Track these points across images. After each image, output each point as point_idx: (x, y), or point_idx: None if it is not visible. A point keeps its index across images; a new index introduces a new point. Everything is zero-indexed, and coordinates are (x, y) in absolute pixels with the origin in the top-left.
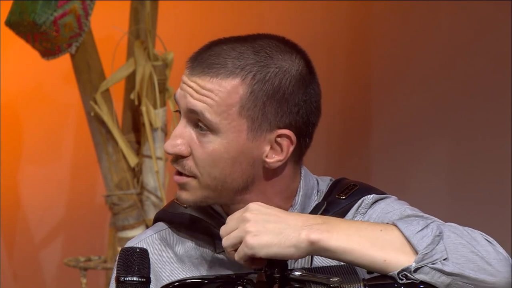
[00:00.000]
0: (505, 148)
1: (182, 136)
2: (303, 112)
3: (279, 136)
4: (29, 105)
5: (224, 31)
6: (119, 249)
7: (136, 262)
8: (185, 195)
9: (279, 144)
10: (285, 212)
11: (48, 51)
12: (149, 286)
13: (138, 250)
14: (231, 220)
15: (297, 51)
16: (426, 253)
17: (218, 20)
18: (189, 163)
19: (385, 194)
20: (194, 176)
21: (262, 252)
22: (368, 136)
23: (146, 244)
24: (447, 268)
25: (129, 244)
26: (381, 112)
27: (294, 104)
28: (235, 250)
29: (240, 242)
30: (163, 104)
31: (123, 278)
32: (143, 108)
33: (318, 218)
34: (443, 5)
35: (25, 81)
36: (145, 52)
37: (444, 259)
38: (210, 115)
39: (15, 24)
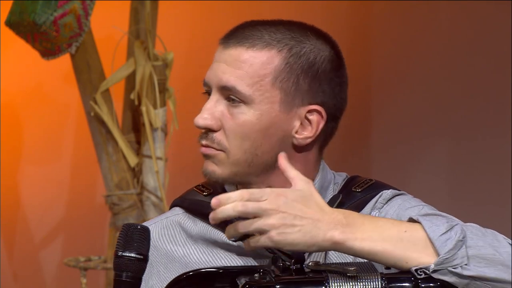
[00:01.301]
0: (505, 148)
1: (213, 110)
2: (333, 94)
3: (310, 111)
4: (29, 105)
5: (224, 31)
6: None
7: (136, 238)
8: (212, 167)
9: (309, 120)
10: (308, 204)
11: (48, 51)
12: (146, 264)
13: (139, 227)
14: (255, 199)
15: (328, 38)
16: (447, 258)
17: (218, 20)
18: (218, 137)
19: (400, 190)
20: (223, 150)
21: (286, 248)
22: (368, 136)
23: (160, 226)
24: (466, 272)
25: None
26: (381, 112)
27: (327, 83)
28: (246, 236)
29: (259, 233)
30: (163, 104)
31: (121, 252)
32: (143, 108)
33: (342, 217)
34: (443, 5)
35: (25, 81)
36: (145, 52)
37: (464, 265)
38: (243, 88)
39: (15, 24)
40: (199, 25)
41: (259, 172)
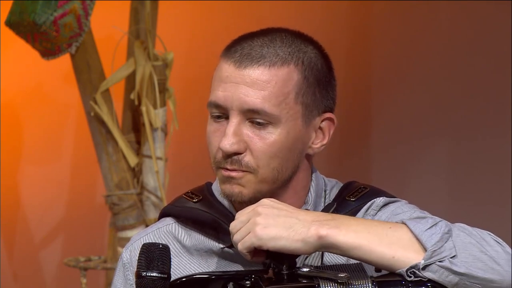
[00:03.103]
0: (505, 148)
1: (237, 134)
2: (334, 97)
3: (323, 120)
4: (29, 105)
5: (224, 31)
6: (119, 249)
7: (157, 257)
8: (239, 190)
9: (321, 128)
10: (296, 208)
11: (48, 51)
12: (169, 282)
13: (160, 246)
14: (242, 215)
15: (315, 41)
16: (435, 250)
17: (218, 20)
18: (246, 159)
19: (396, 197)
20: (250, 171)
21: (270, 244)
22: (368, 136)
23: (152, 237)
24: (455, 267)
25: (135, 237)
26: (381, 112)
27: (331, 88)
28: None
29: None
30: (163, 104)
31: (144, 273)
32: (143, 108)
33: (328, 215)
34: (443, 5)
35: (25, 81)
36: (145, 52)
37: (452, 257)
38: (271, 109)
39: (15, 24)
40: (199, 25)
41: (280, 187)
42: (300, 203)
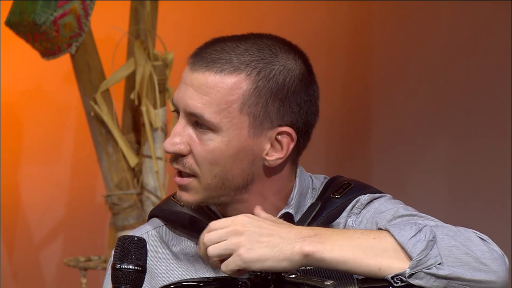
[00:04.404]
0: (505, 148)
1: (181, 135)
2: (303, 112)
3: (280, 133)
4: (29, 105)
5: (224, 31)
6: None
7: (133, 250)
8: (186, 197)
9: (279, 142)
10: (276, 223)
11: (48, 51)
12: (145, 275)
13: (136, 238)
14: (218, 228)
15: (298, 52)
16: (420, 259)
17: (218, 20)
18: (189, 161)
19: (380, 192)
20: (194, 176)
21: (256, 266)
22: (368, 136)
23: None
24: (441, 272)
25: None
26: (381, 112)
27: (296, 103)
28: (221, 260)
29: (229, 254)
30: (163, 104)
31: (119, 265)
32: (143, 108)
33: (310, 230)
34: (443, 5)
35: (25, 81)
36: (145, 52)
37: (438, 264)
38: (210, 116)
39: (15, 24)
40: (199, 25)
41: (232, 193)
42: (281, 205)
